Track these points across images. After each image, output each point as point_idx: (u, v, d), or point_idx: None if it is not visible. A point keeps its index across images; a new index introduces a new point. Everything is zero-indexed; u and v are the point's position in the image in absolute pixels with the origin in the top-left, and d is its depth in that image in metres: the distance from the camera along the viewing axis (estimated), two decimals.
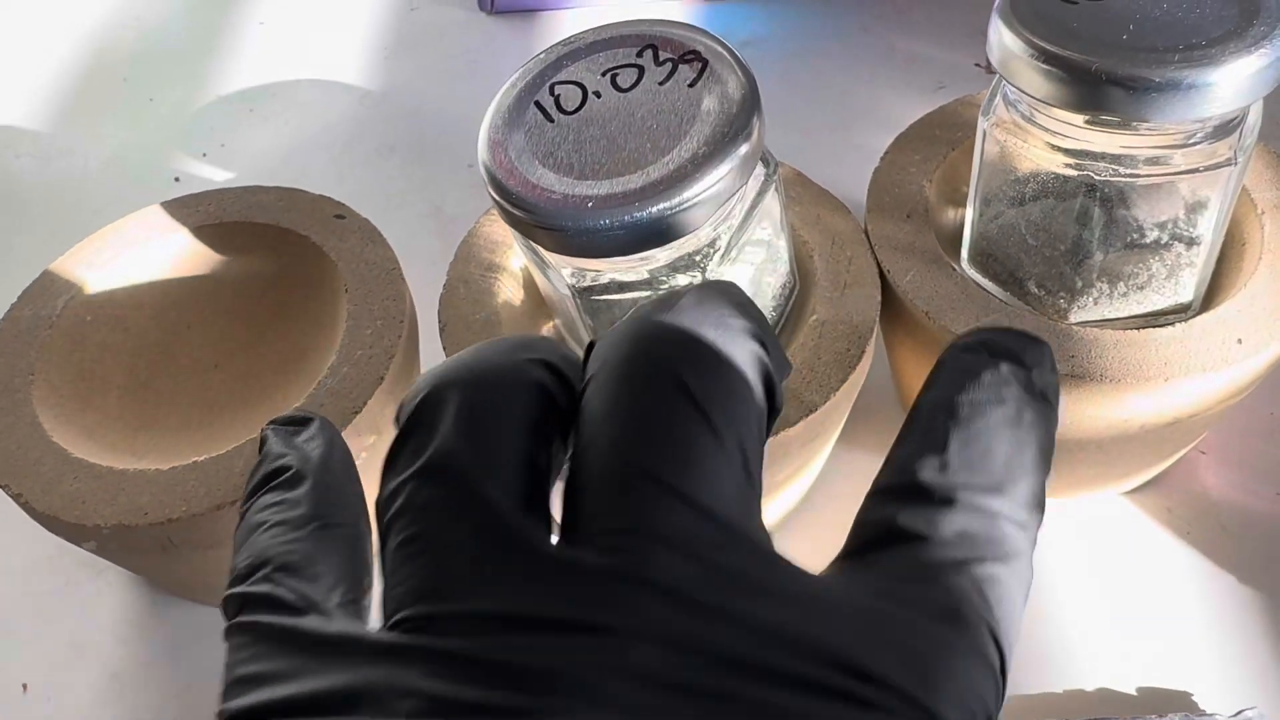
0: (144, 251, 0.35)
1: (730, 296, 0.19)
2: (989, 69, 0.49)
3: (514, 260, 0.33)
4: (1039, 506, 0.18)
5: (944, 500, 0.17)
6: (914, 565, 0.17)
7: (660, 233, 0.25)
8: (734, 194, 0.26)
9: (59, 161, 0.50)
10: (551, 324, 0.33)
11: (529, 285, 0.33)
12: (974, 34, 0.50)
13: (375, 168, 0.48)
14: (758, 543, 0.16)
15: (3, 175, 0.49)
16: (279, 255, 0.35)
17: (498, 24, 0.55)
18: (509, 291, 0.32)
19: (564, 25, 0.54)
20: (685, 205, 0.25)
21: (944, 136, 0.35)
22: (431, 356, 0.35)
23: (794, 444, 0.29)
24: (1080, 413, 0.29)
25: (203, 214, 0.35)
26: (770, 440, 0.28)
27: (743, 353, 0.18)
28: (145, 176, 0.49)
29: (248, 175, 0.48)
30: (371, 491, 0.19)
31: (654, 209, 0.25)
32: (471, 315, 0.31)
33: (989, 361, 0.19)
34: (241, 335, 0.36)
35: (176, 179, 0.48)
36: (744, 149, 0.26)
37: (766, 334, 0.19)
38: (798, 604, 0.15)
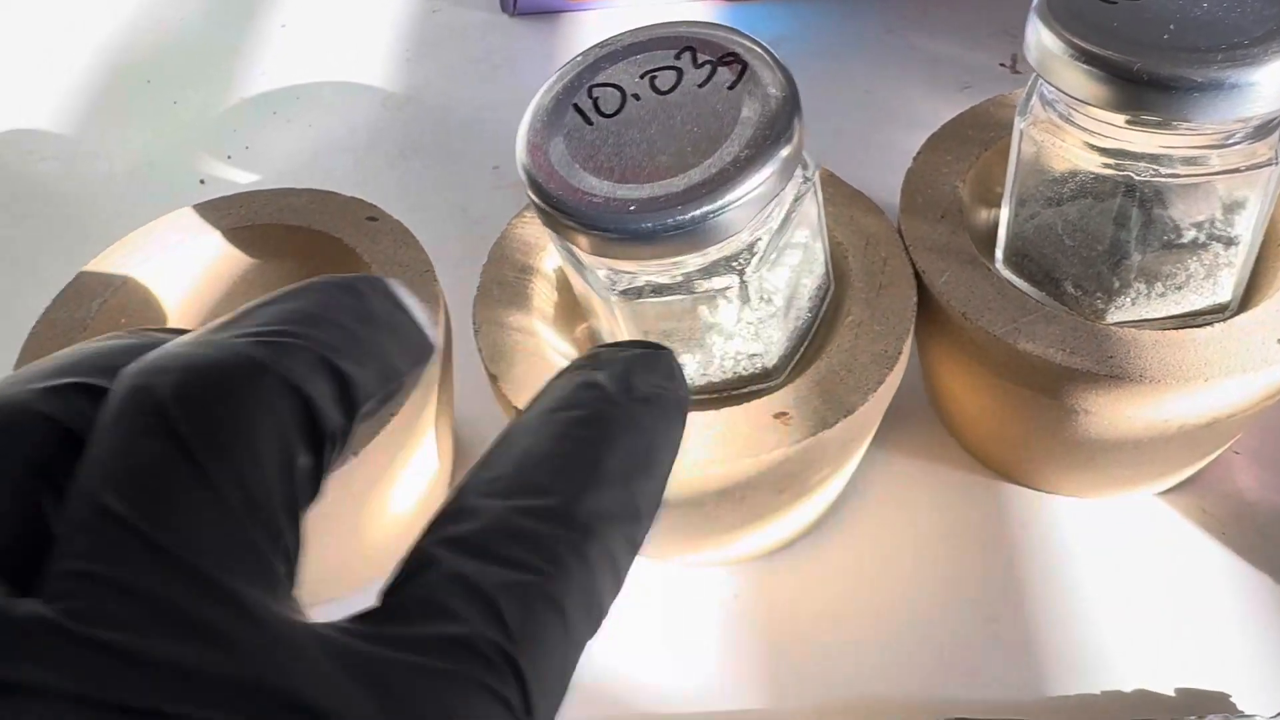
0: (176, 254, 0.35)
1: (299, 310, 0.16)
2: (1014, 69, 0.49)
3: (548, 262, 0.33)
4: (626, 514, 0.16)
5: (473, 514, 0.15)
6: (427, 592, 0.15)
7: (702, 236, 0.25)
8: (775, 196, 0.26)
9: (85, 165, 0.50)
10: (585, 325, 0.33)
11: (563, 287, 0.33)
12: (998, 34, 0.50)
13: (399, 169, 0.48)
14: (232, 593, 0.14)
15: (29, 179, 0.50)
16: (311, 258, 0.35)
17: (519, 25, 0.55)
18: (543, 293, 0.32)
19: (585, 27, 0.54)
20: (728, 208, 0.25)
21: (977, 137, 0.35)
22: (463, 359, 0.35)
23: (832, 445, 0.29)
24: (1118, 413, 0.29)
25: (234, 216, 0.35)
26: (808, 442, 0.28)
27: (264, 387, 0.15)
28: (171, 179, 0.49)
29: (273, 177, 0.48)
30: None
31: (696, 212, 0.25)
32: (506, 317, 0.31)
33: (577, 373, 0.17)
34: None
35: (202, 181, 0.48)
36: (785, 151, 0.26)
37: (347, 345, 0.16)
38: (256, 655, 0.14)
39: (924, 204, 0.33)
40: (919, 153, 0.35)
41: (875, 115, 0.48)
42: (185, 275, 0.35)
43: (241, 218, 0.35)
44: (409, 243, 0.34)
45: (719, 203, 0.25)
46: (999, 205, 0.35)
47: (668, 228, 0.25)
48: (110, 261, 0.34)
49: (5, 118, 0.53)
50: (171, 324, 0.35)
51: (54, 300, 0.33)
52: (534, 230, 0.34)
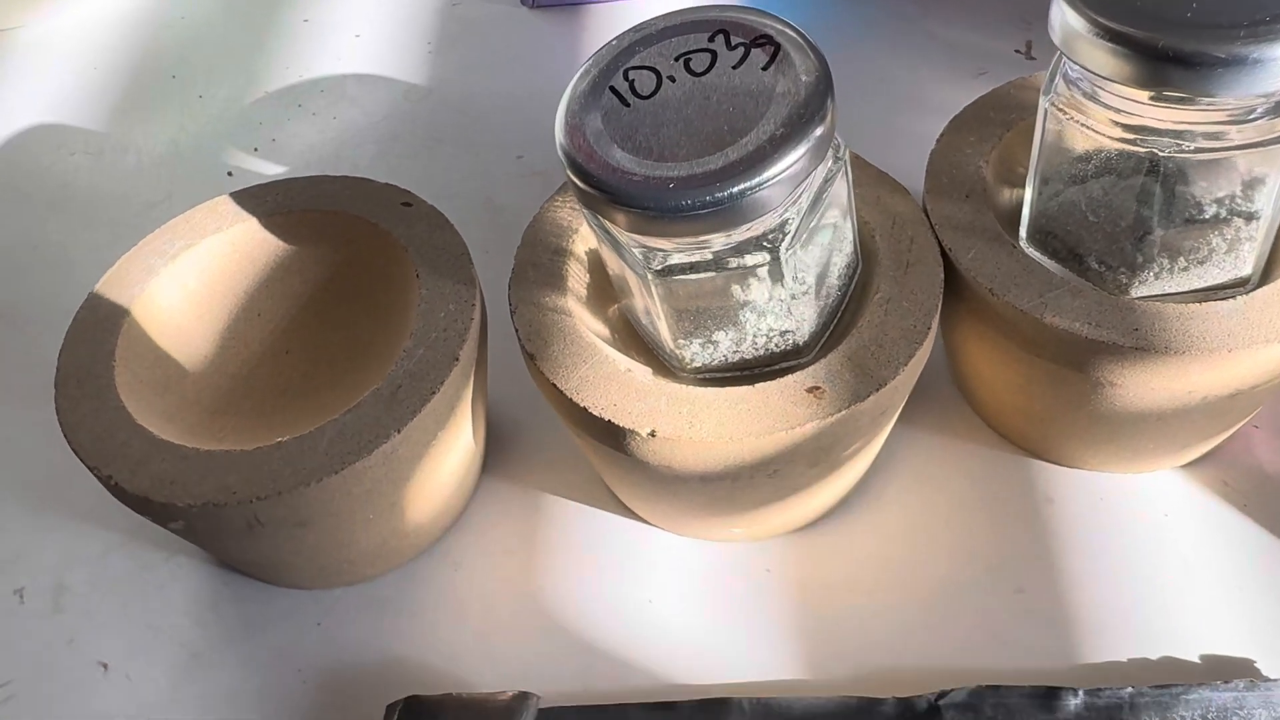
0: (214, 241, 0.35)
1: None
2: (1028, 54, 0.50)
3: (580, 245, 0.34)
4: None
5: None
6: None
7: (739, 213, 0.26)
8: (809, 175, 0.27)
9: (112, 158, 0.51)
10: (616, 306, 0.34)
11: (595, 269, 0.34)
12: (1012, 20, 0.51)
13: (424, 160, 0.49)
14: None
15: (58, 173, 0.50)
16: (347, 243, 0.36)
17: (539, 18, 0.55)
18: (576, 275, 0.33)
19: (605, 20, 0.54)
20: (764, 185, 0.26)
21: (998, 118, 0.35)
22: (491, 341, 0.36)
23: (864, 418, 0.30)
24: (1144, 385, 0.30)
25: (271, 203, 0.36)
26: (841, 415, 0.29)
27: None
28: (198, 172, 0.49)
29: (300, 169, 0.49)
30: None
31: (734, 188, 0.25)
32: (541, 297, 0.32)
33: None
34: (310, 321, 0.36)
35: (230, 173, 0.49)
36: (819, 131, 0.26)
37: None
38: None
39: (949, 184, 0.34)
40: (942, 134, 0.35)
41: (891, 101, 0.48)
42: (222, 261, 0.36)
43: (277, 204, 0.36)
44: (444, 226, 0.34)
45: (755, 180, 0.26)
46: (1021, 185, 0.35)
47: (705, 204, 0.26)
48: (150, 249, 0.35)
49: (32, 113, 0.53)
50: (209, 311, 0.36)
51: (95, 288, 0.34)
52: (566, 214, 0.34)
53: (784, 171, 0.26)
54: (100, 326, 0.33)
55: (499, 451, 0.38)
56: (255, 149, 0.50)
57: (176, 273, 0.35)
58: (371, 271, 0.35)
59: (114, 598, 0.36)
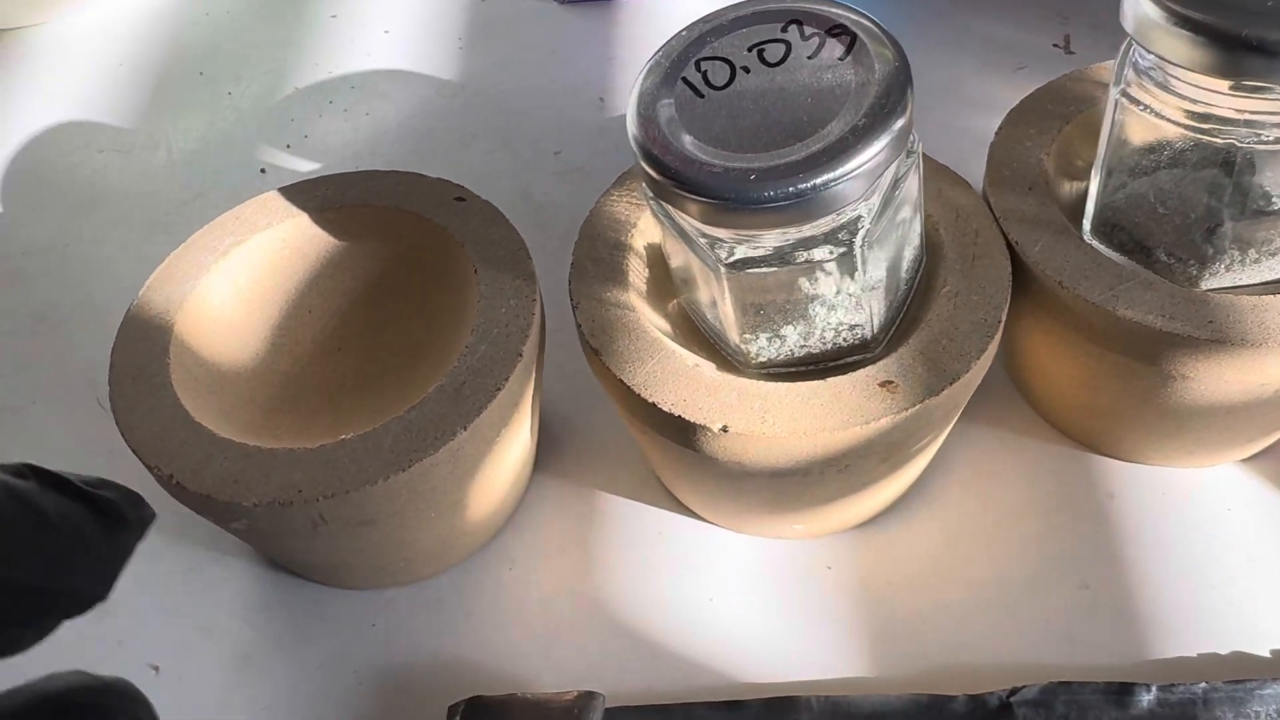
0: (265, 236, 0.35)
1: None
2: (1067, 49, 0.49)
3: (639, 239, 0.33)
4: None
5: None
6: None
7: (820, 205, 0.26)
8: (889, 167, 0.26)
9: (142, 156, 0.50)
10: (676, 301, 0.33)
11: (654, 263, 0.34)
12: (1050, 16, 0.51)
13: (459, 157, 0.48)
14: None
15: (87, 171, 0.50)
16: (398, 238, 0.35)
17: (569, 13, 0.55)
18: (636, 269, 0.33)
19: (636, 14, 0.54)
20: (846, 177, 0.25)
21: (1056, 110, 0.35)
22: (559, 335, 0.35)
23: (937, 413, 0.29)
24: (1216, 378, 0.30)
25: (321, 198, 0.35)
26: (915, 409, 0.28)
27: None
28: (231, 169, 0.49)
29: (334, 165, 0.48)
30: None
31: (817, 180, 0.25)
32: (603, 292, 0.32)
33: None
34: (362, 318, 0.36)
35: (263, 170, 0.49)
36: (900, 122, 0.26)
37: None
38: None
39: (1010, 177, 0.33)
40: (1000, 127, 0.35)
41: (932, 96, 0.48)
42: (272, 257, 0.35)
43: (328, 199, 0.35)
44: (499, 221, 0.34)
45: (838, 171, 0.25)
46: (1081, 178, 0.35)
47: (788, 195, 0.25)
48: (200, 245, 0.35)
49: (58, 110, 0.53)
50: (260, 308, 0.35)
51: (147, 285, 0.34)
52: (623, 208, 0.34)
53: (866, 163, 0.25)
54: (153, 324, 0.32)
55: (548, 448, 0.38)
56: (288, 146, 0.50)
57: (227, 269, 0.34)
58: (424, 267, 0.35)
59: (163, 599, 0.36)
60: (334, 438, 0.30)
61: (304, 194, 0.36)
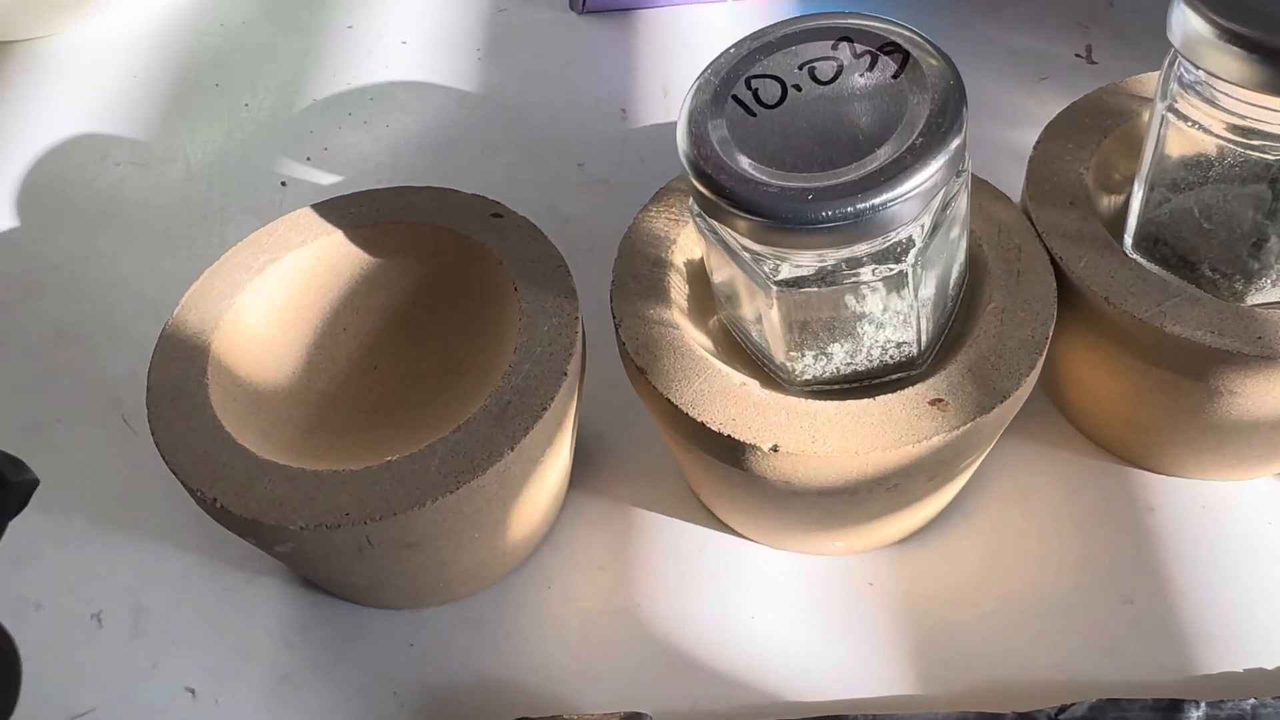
0: (299, 254, 0.35)
1: None
2: (1089, 59, 0.49)
3: (679, 255, 0.33)
4: None
5: None
6: None
7: (878, 224, 0.25)
8: (944, 186, 0.26)
9: (159, 169, 0.50)
10: (716, 318, 0.33)
11: (694, 280, 0.33)
12: (1070, 25, 0.51)
13: (482, 170, 0.48)
14: None
15: (104, 184, 0.49)
16: (433, 255, 0.35)
17: (589, 23, 0.55)
18: (677, 286, 0.33)
19: (656, 25, 0.54)
20: (905, 197, 0.25)
21: (1094, 124, 0.35)
22: (593, 351, 0.35)
23: (987, 430, 0.29)
24: (1265, 393, 0.30)
25: (355, 215, 0.35)
26: (966, 428, 0.28)
27: None
28: (250, 182, 0.49)
29: (355, 179, 0.48)
30: None
31: (876, 200, 0.25)
32: (646, 310, 0.31)
33: None
34: (398, 336, 0.36)
35: (283, 183, 0.48)
36: (956, 141, 0.26)
37: None
38: None
39: (1051, 191, 0.33)
40: (1038, 141, 0.35)
41: None
42: (307, 275, 0.35)
43: (363, 216, 0.35)
44: (537, 238, 0.34)
45: (896, 192, 0.25)
46: (1119, 192, 0.35)
47: (845, 216, 0.25)
48: (234, 263, 0.34)
49: (72, 122, 0.52)
50: (294, 326, 0.35)
51: (181, 303, 0.33)
52: (662, 223, 0.34)
53: (923, 184, 0.25)
54: (189, 344, 0.32)
55: (583, 464, 0.38)
56: (308, 158, 0.49)
57: (262, 287, 0.34)
58: (460, 284, 0.35)
59: (196, 620, 0.35)
60: (375, 458, 0.29)
61: (337, 210, 0.35)
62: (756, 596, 0.34)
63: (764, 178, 0.26)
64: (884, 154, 0.26)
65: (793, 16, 0.29)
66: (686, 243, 0.33)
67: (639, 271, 0.32)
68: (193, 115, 0.52)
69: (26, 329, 0.44)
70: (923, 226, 0.27)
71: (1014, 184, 0.35)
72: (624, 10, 0.54)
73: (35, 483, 0.21)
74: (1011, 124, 0.46)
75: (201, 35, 0.57)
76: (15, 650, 0.19)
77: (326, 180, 0.48)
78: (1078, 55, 0.49)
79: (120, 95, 0.54)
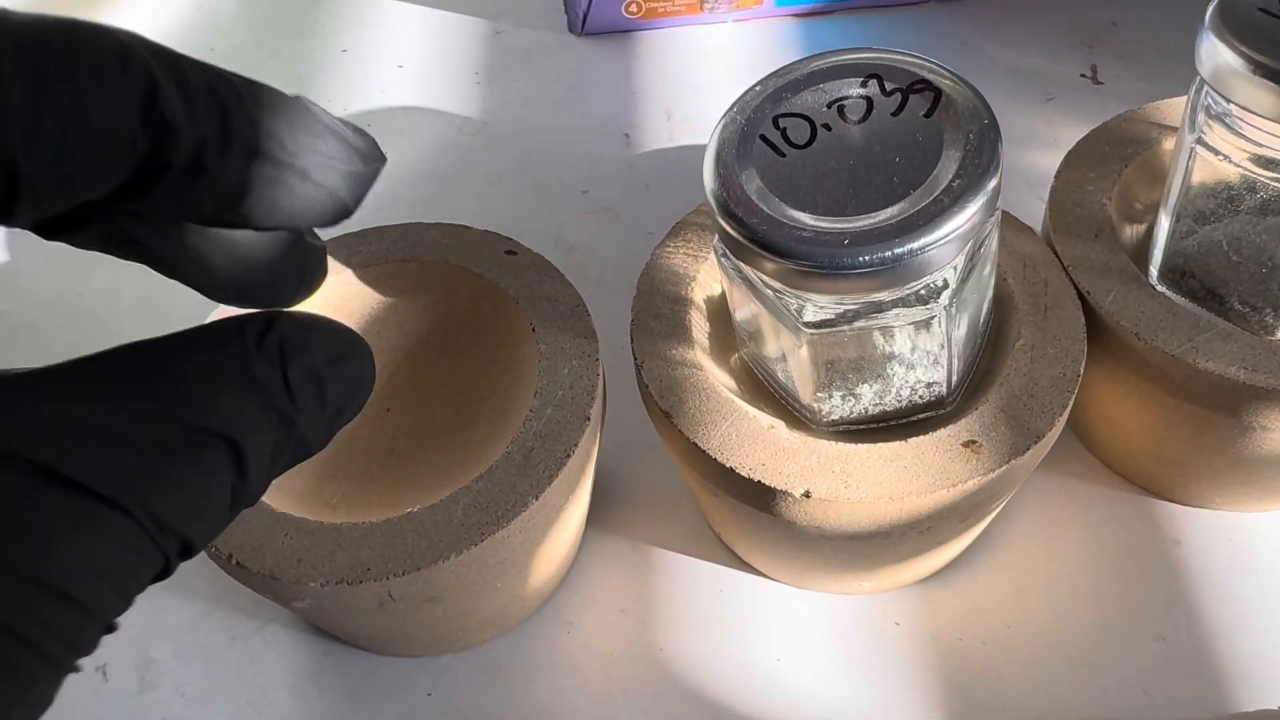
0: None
1: None
2: (1095, 79, 0.49)
3: (699, 292, 0.32)
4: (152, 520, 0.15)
5: None
6: None
7: (916, 268, 0.25)
8: (981, 227, 0.26)
9: None
10: (738, 355, 0.33)
11: (714, 317, 0.33)
12: (1074, 44, 0.51)
13: (485, 198, 0.47)
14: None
15: None
16: (446, 294, 0.34)
17: (587, 45, 0.54)
18: (699, 324, 0.32)
19: (655, 46, 0.53)
20: (943, 240, 0.25)
21: (1114, 153, 0.35)
22: (608, 386, 0.35)
23: (1021, 472, 0.29)
24: None
25: (365, 254, 0.34)
26: (1001, 470, 0.28)
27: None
28: None
29: (357, 211, 0.47)
30: None
31: (915, 244, 0.24)
32: (668, 350, 0.31)
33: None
34: (412, 377, 0.35)
35: None
36: (993, 182, 0.25)
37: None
38: None
39: (1075, 223, 0.33)
40: (1059, 171, 0.34)
41: None
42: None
43: (373, 255, 0.34)
44: (553, 276, 0.33)
45: (936, 235, 0.25)
46: (1141, 220, 0.35)
47: (884, 261, 0.25)
48: None
49: None
50: None
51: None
52: (680, 260, 0.33)
53: (962, 226, 0.25)
54: None
55: (599, 503, 0.37)
56: None
57: None
58: (475, 324, 0.34)
59: (206, 672, 0.34)
60: (392, 504, 0.29)
61: (346, 249, 0.34)
62: (781, 638, 0.34)
63: (798, 221, 0.25)
64: (920, 196, 0.25)
65: (817, 52, 0.28)
66: (706, 279, 0.33)
67: (659, 310, 0.32)
68: None
69: (18, 365, 0.43)
70: (956, 268, 0.27)
71: (1027, 207, 0.35)
72: (624, 31, 0.54)
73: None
74: (1021, 146, 0.46)
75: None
76: None
77: None
78: (1083, 75, 0.49)
79: None
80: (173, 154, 0.16)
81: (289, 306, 0.22)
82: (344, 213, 0.19)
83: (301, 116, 0.18)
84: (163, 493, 0.15)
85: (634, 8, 0.53)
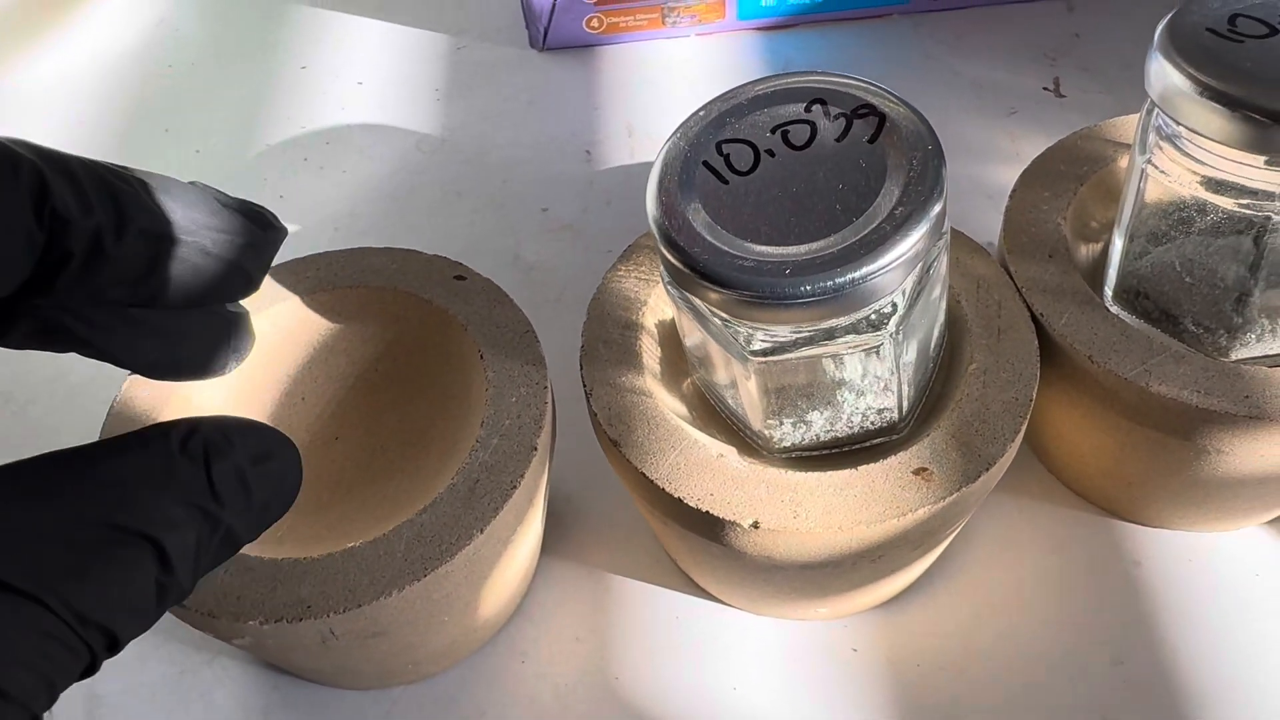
0: (253, 321, 0.33)
1: None
2: (1058, 92, 0.49)
3: (650, 317, 0.32)
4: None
5: None
6: None
7: (860, 297, 0.24)
8: (926, 253, 0.25)
9: None
10: (690, 380, 0.32)
11: (666, 342, 0.32)
12: (1038, 57, 0.50)
13: (443, 215, 0.47)
14: None
15: None
16: (396, 320, 0.34)
17: (548, 60, 0.53)
18: (650, 350, 0.31)
19: (616, 61, 0.53)
20: (887, 268, 0.24)
21: (1069, 171, 0.34)
22: (562, 410, 0.34)
23: (973, 499, 0.28)
24: (1252, 452, 0.29)
25: (312, 279, 0.34)
26: (953, 498, 0.27)
27: None
28: None
29: (313, 226, 0.46)
30: None
31: (856, 273, 0.24)
32: (618, 377, 0.30)
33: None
34: (360, 405, 0.34)
35: None
36: (937, 207, 0.25)
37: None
38: None
39: (1029, 244, 0.33)
40: (1014, 190, 0.34)
41: None
42: (262, 343, 0.33)
43: (320, 280, 0.34)
44: (503, 301, 0.33)
45: (879, 263, 0.24)
46: (1096, 239, 0.35)
47: (827, 290, 0.24)
48: None
49: None
50: (250, 396, 0.33)
51: (129, 379, 0.32)
52: (631, 284, 0.33)
53: (905, 253, 0.24)
54: (138, 421, 0.31)
55: (553, 529, 0.36)
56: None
57: None
58: (425, 351, 0.33)
59: (154, 708, 0.34)
60: (339, 536, 0.28)
61: (293, 274, 0.34)
62: (738, 665, 0.33)
63: (739, 251, 0.25)
64: (863, 224, 0.25)
65: (761, 77, 0.28)
66: (658, 303, 0.32)
67: (609, 336, 0.31)
68: (142, 163, 0.50)
69: None
70: (904, 293, 0.26)
71: (986, 222, 0.34)
72: (586, 46, 0.53)
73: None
74: (983, 159, 0.46)
75: (150, 78, 0.55)
76: None
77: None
78: (1046, 89, 0.49)
79: (66, 143, 0.52)
80: (71, 243, 0.17)
81: (220, 375, 0.23)
82: (249, 284, 0.20)
83: (197, 198, 0.19)
84: (82, 587, 0.16)
85: (595, 22, 0.52)
